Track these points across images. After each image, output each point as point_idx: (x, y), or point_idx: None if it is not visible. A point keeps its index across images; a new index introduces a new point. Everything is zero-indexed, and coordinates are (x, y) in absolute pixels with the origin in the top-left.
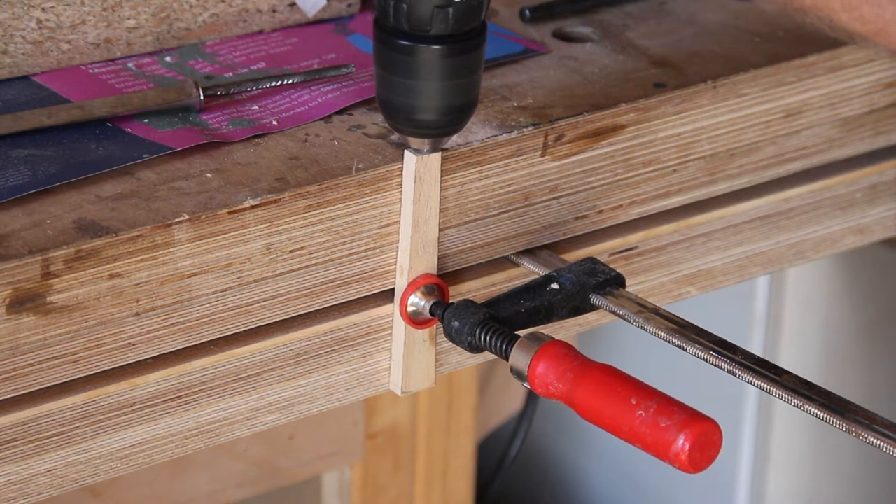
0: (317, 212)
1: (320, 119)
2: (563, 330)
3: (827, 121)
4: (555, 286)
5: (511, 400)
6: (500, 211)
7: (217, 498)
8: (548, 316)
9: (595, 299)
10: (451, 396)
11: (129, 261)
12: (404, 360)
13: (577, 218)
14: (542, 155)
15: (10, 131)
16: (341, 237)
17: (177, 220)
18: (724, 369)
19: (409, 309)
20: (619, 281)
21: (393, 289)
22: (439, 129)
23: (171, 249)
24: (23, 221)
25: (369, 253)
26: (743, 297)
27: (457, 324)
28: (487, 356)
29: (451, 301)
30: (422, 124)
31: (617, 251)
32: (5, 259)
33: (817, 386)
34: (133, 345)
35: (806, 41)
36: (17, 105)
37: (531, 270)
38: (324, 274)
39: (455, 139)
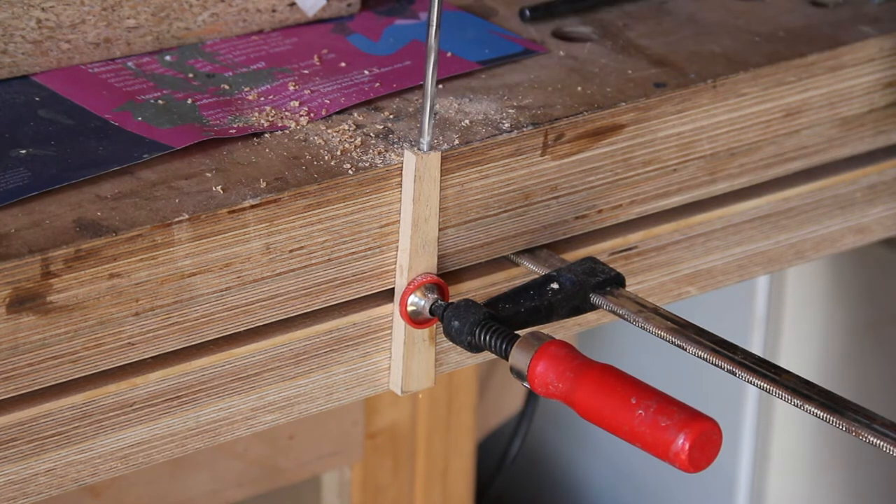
0: (316, 211)
1: (321, 119)
2: (563, 330)
3: (827, 120)
4: (555, 286)
5: (511, 400)
6: (500, 210)
7: (217, 498)
8: (548, 316)
9: (595, 299)
10: (451, 396)
11: (129, 260)
12: (404, 359)
13: (576, 217)
14: (542, 154)
15: None
16: (341, 237)
17: (177, 219)
18: (724, 369)
19: (409, 308)
20: (618, 280)
21: (393, 288)
22: None
23: (171, 249)
24: (23, 221)
25: (369, 252)
26: (743, 297)
27: (457, 323)
28: (487, 356)
29: (451, 301)
30: None
31: (617, 251)
32: (5, 259)
33: (817, 386)
34: (133, 344)
35: (806, 41)
36: (16, 105)
37: (531, 270)
38: (324, 273)
39: (455, 139)
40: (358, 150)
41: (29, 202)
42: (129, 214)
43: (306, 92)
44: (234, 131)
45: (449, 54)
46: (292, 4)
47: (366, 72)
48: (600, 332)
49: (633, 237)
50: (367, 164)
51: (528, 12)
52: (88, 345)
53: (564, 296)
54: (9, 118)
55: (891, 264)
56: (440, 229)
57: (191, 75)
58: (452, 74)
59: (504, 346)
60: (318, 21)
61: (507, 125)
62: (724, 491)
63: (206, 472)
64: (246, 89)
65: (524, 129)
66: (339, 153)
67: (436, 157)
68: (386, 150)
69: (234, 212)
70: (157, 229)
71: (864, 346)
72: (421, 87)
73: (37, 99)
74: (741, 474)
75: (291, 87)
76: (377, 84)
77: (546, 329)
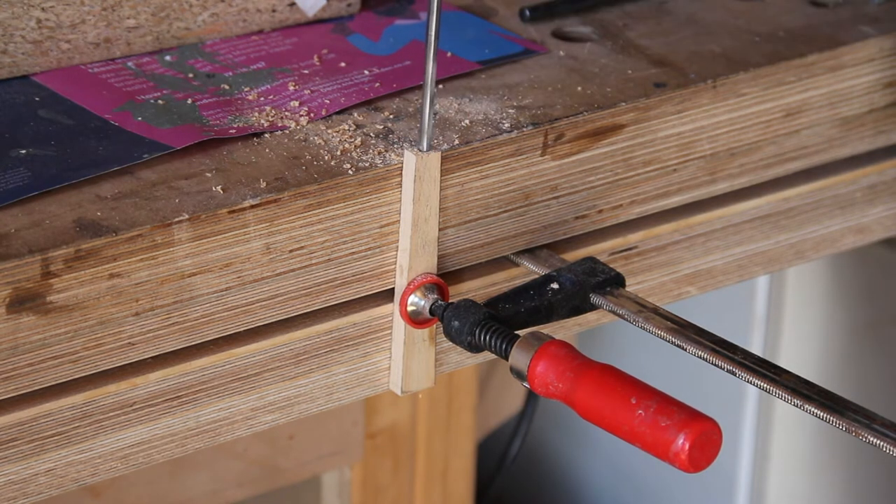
0: (316, 211)
1: (321, 119)
2: (563, 330)
3: (827, 120)
4: (555, 286)
5: (511, 400)
6: (500, 210)
7: (217, 498)
8: (548, 316)
9: (595, 299)
10: (451, 396)
11: (129, 260)
12: (404, 359)
13: (577, 217)
14: (542, 154)
15: None
16: (341, 237)
17: (177, 219)
18: (724, 369)
19: (409, 308)
20: (618, 280)
21: (393, 288)
22: None
23: (171, 249)
24: (23, 221)
25: (369, 252)
26: (743, 297)
27: (457, 323)
28: (487, 356)
29: (451, 301)
30: None
31: (617, 251)
32: (5, 259)
33: (817, 386)
34: (133, 344)
35: (806, 41)
36: (16, 105)
37: (531, 270)
38: (324, 273)
39: (455, 139)
40: (358, 150)
41: (29, 202)
42: (129, 214)
43: (306, 92)
44: (234, 131)
45: (449, 54)
46: (292, 4)
47: (366, 72)
48: (600, 332)
49: (633, 237)
50: (367, 164)
51: (528, 12)
52: (88, 345)
53: (564, 296)
54: (9, 118)
55: (891, 264)
56: (440, 229)
57: (191, 75)
58: (452, 74)
59: (504, 346)
60: (318, 21)
61: (507, 125)
62: (724, 491)
63: (206, 472)
64: (246, 89)
65: (524, 129)
66: (339, 153)
67: (436, 157)
68: (386, 150)
69: (234, 212)
70: (157, 229)
71: (864, 346)
72: (421, 87)
73: (37, 99)
74: (741, 474)
75: (291, 87)
76: (377, 84)
77: (546, 329)
